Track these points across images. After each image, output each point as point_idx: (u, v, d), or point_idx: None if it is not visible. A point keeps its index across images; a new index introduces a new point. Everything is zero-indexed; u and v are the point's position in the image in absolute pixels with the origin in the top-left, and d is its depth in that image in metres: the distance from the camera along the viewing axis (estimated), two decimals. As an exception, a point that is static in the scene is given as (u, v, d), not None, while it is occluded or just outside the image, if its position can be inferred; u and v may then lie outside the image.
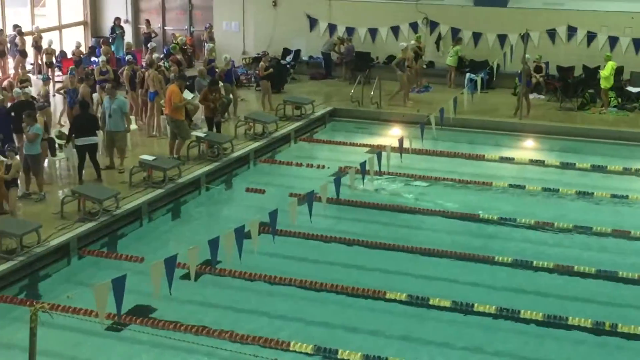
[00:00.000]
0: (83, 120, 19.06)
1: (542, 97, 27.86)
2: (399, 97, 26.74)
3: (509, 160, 22.53)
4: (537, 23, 28.23)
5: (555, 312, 14.09)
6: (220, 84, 23.96)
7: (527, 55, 25.57)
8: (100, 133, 19.82)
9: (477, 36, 29.79)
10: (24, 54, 28.46)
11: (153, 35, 31.85)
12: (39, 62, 29.09)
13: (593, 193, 19.85)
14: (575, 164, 22.11)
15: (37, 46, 28.99)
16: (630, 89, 27.12)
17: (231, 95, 24.90)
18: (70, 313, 13.23)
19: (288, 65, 30.57)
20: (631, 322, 13.87)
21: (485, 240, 17.55)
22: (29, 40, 29.07)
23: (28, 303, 13.71)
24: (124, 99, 20.57)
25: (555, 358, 13.11)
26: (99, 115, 20.32)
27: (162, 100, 22.55)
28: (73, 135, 19.12)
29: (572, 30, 28.75)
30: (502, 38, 29.27)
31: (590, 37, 28.57)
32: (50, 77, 26.31)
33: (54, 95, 23.90)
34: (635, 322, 13.87)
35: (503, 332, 13.87)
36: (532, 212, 18.74)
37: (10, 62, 28.67)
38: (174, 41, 30.98)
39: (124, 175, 19.33)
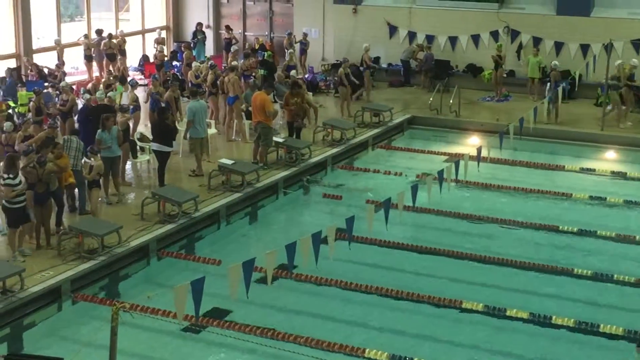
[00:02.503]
0: (158, 128, 19.36)
1: (625, 107, 27.32)
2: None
3: (590, 171, 22.17)
4: (621, 32, 27.74)
5: (637, 327, 13.82)
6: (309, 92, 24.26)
7: (554, 62, 26.06)
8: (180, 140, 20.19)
9: (559, 45, 29.39)
10: (111, 58, 28.94)
11: (234, 41, 32.14)
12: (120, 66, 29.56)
13: (676, 207, 19.46)
14: (658, 176, 21.70)
15: (120, 50, 29.47)
16: None
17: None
18: (149, 313, 13.43)
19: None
20: None
21: (565, 252, 17.30)
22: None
23: (108, 302, 13.95)
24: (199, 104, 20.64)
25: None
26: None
27: (243, 105, 22.82)
28: (151, 139, 19.46)
29: (657, 41, 28.19)
30: (584, 48, 28.83)
31: (676, 47, 27.97)
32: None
33: (146, 102, 24.02)
34: None
35: (580, 345, 13.66)
36: (613, 225, 18.42)
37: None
38: (257, 44, 31.34)
39: (203, 178, 19.55)
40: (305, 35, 31.62)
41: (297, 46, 31.21)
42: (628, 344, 13.56)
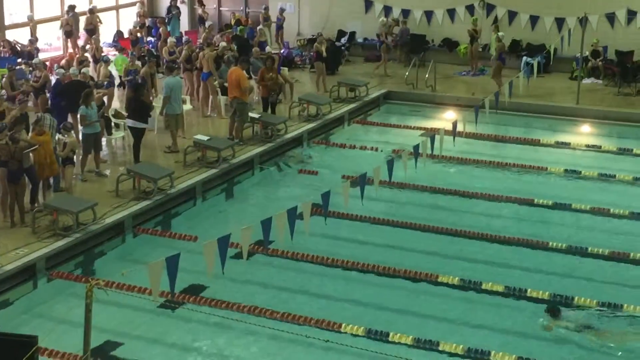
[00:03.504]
0: (133, 104, 19.24)
1: (600, 82, 27.47)
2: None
3: (565, 145, 22.28)
4: (595, 6, 27.77)
5: (611, 300, 13.92)
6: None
7: (500, 34, 26.30)
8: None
9: (534, 19, 29.41)
10: (91, 33, 28.64)
11: (205, 16, 31.98)
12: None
13: (650, 179, 19.60)
14: (632, 149, 21.80)
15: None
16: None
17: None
18: (124, 290, 13.39)
19: (343, 47, 30.49)
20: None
21: (540, 225, 17.38)
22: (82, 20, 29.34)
23: (83, 280, 13.91)
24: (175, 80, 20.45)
25: (613, 345, 12.95)
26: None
27: (216, 81, 22.70)
28: (126, 115, 19.35)
29: (631, 14, 28.26)
30: (559, 21, 28.86)
31: (651, 20, 28.06)
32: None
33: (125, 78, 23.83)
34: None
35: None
36: (588, 198, 18.52)
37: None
38: (233, 19, 31.20)
39: (179, 154, 19.47)
40: (281, 10, 31.45)
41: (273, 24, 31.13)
42: (601, 316, 13.66)
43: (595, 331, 13.21)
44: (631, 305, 13.76)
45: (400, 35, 29.93)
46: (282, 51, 29.39)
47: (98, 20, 29.32)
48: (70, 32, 28.72)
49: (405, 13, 30.73)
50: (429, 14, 30.68)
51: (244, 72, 21.20)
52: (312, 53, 28.19)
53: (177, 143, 20.05)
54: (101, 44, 27.91)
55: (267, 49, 26.29)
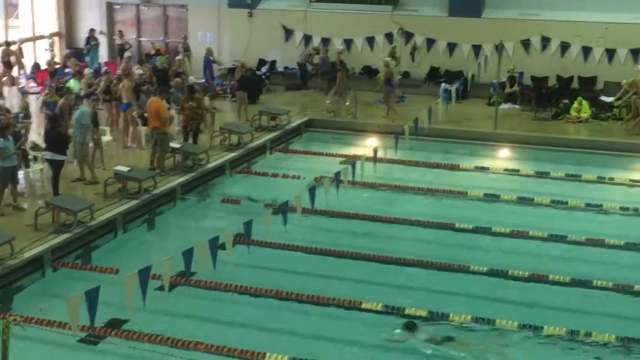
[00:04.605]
0: (51, 136, 18.96)
1: (517, 106, 28.02)
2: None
3: (484, 169, 22.63)
4: (511, 33, 28.37)
5: (531, 321, 14.13)
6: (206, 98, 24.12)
7: (386, 59, 26.91)
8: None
9: (452, 46, 29.91)
10: (8, 66, 28.24)
11: (127, 46, 31.83)
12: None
13: (567, 202, 19.98)
14: (549, 173, 22.25)
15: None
16: (603, 98, 27.32)
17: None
18: (44, 325, 13.13)
19: (263, 76, 30.57)
20: (605, 329, 13.92)
21: (461, 249, 17.58)
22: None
23: (1, 316, 13.59)
24: (85, 110, 19.99)
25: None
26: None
27: (135, 112, 22.53)
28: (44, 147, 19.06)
29: (546, 41, 28.94)
30: (476, 48, 29.38)
31: (564, 47, 28.77)
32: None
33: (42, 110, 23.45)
34: (609, 329, 13.93)
35: (478, 339, 13.85)
36: (508, 221, 18.81)
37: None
38: (153, 49, 31.11)
39: (99, 186, 19.23)
40: (184, 38, 31.59)
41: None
42: (523, 338, 13.84)
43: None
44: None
45: (321, 63, 30.15)
46: (202, 80, 29.31)
47: (19, 52, 28.95)
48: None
49: (325, 42, 30.98)
50: (348, 42, 30.97)
51: (164, 102, 21.10)
52: (232, 82, 28.23)
53: (84, 173, 19.83)
54: (19, 76, 27.54)
55: (191, 78, 26.16)
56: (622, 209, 19.75)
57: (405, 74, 30.04)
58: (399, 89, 28.69)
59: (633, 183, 21.73)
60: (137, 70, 24.86)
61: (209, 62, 29.55)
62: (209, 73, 29.79)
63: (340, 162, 21.54)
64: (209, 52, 29.97)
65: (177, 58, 28.87)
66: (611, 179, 21.85)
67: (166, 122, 20.72)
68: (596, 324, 14.21)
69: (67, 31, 33.77)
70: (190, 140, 22.35)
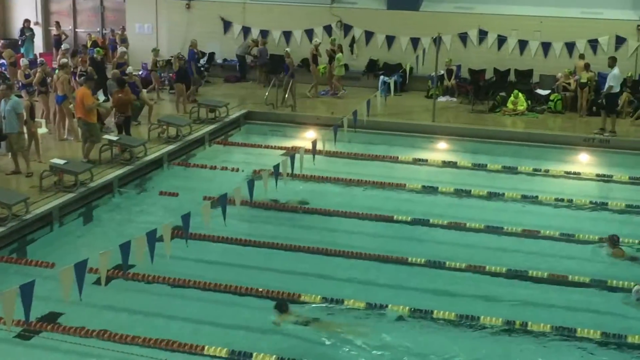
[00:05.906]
0: None
1: (455, 99, 28.28)
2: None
3: (422, 162, 22.79)
4: (449, 26, 28.64)
5: (468, 312, 14.27)
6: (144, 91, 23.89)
7: (287, 49, 27.59)
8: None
9: (390, 39, 30.05)
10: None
11: (63, 37, 31.40)
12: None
13: (504, 194, 20.21)
14: (486, 165, 22.49)
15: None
16: (539, 91, 27.70)
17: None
18: (-23, 321, 12.92)
19: (202, 68, 30.40)
20: (541, 320, 14.12)
21: (399, 241, 17.69)
22: None
23: None
24: (18, 99, 19.68)
25: (467, 357, 13.26)
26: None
27: (72, 105, 22.22)
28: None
29: (483, 34, 29.25)
30: (415, 41, 29.58)
31: (501, 40, 29.10)
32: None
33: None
34: (545, 320, 14.13)
35: (416, 332, 13.98)
36: (445, 213, 18.97)
37: None
38: (89, 40, 30.73)
39: (34, 179, 18.97)
40: (112, 31, 31.26)
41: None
42: (460, 329, 13.98)
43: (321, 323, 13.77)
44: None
45: (260, 55, 30.08)
46: (140, 72, 29.06)
47: None
48: None
49: (264, 34, 30.93)
50: (287, 35, 30.96)
51: (89, 90, 20.72)
52: (170, 75, 28.03)
53: (19, 165, 19.52)
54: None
55: (129, 69, 25.86)
56: (557, 200, 20.04)
57: (345, 67, 30.07)
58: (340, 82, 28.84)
59: (568, 175, 22.06)
60: (62, 60, 24.36)
61: (192, 55, 28.78)
62: (194, 65, 28.60)
63: (280, 155, 21.50)
64: (194, 44, 28.97)
65: (119, 49, 28.48)
66: (547, 171, 22.17)
67: (92, 111, 20.39)
68: (532, 314, 14.41)
69: (1, 21, 33.22)
70: (124, 133, 22.08)
